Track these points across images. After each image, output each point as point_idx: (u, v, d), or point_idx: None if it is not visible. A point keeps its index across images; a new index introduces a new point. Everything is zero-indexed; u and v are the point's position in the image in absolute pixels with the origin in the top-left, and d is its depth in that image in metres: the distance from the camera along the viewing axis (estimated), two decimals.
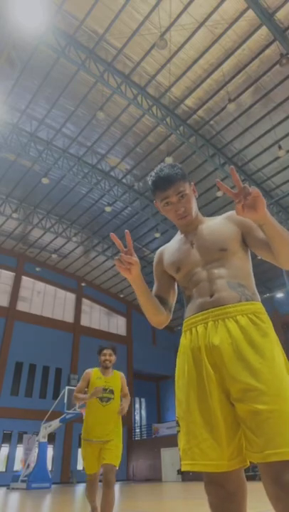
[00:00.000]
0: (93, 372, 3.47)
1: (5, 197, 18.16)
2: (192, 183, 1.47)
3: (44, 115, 14.06)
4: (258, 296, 1.32)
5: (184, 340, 1.33)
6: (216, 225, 1.41)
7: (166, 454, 21.10)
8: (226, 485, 1.16)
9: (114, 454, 3.17)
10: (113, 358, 3.47)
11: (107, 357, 3.43)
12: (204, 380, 1.19)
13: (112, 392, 3.36)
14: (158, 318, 1.42)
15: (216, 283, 1.29)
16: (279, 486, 0.99)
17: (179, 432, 1.24)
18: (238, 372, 1.13)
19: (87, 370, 3.51)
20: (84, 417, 3.42)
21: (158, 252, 1.58)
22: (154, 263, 1.56)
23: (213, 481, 1.17)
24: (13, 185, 17.41)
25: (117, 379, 3.47)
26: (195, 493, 8.29)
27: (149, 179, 1.42)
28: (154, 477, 21.58)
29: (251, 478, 12.19)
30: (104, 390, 3.31)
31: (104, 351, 3.46)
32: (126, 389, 3.53)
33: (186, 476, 18.65)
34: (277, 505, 1.01)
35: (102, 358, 3.46)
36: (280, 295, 21.49)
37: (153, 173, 1.41)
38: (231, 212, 1.42)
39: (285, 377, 1.12)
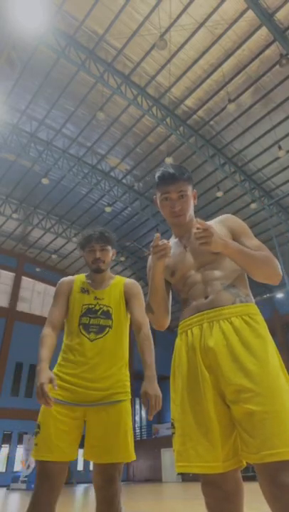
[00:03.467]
0: (75, 282, 1.91)
1: (5, 197, 18.17)
2: (194, 190, 1.50)
3: (44, 115, 14.07)
4: (252, 298, 1.33)
5: (179, 342, 1.34)
6: None
7: (167, 455, 21.10)
8: (223, 486, 1.16)
9: (122, 441, 1.61)
10: (108, 254, 1.91)
11: (97, 253, 1.87)
12: (199, 381, 1.20)
13: (108, 314, 1.81)
14: (166, 319, 1.46)
15: (211, 285, 1.31)
16: (275, 487, 0.99)
17: (173, 433, 1.24)
18: (232, 374, 1.14)
19: (63, 279, 1.95)
20: (60, 358, 1.80)
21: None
22: (148, 268, 1.56)
23: (210, 482, 1.18)
24: (13, 185, 17.42)
25: (118, 290, 1.90)
26: (195, 493, 8.28)
27: (156, 173, 1.46)
28: (154, 477, 21.58)
29: (252, 478, 12.17)
30: (94, 311, 1.81)
31: (93, 244, 1.87)
32: (139, 312, 1.85)
33: (186, 477, 18.64)
34: (274, 505, 1.01)
35: (90, 256, 1.88)
36: (280, 295, 21.47)
37: (161, 169, 1.45)
38: (224, 216, 1.46)
39: (279, 378, 1.12)
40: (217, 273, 1.32)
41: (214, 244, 1.21)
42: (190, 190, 1.44)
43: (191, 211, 1.47)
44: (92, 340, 1.74)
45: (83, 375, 1.68)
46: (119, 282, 1.94)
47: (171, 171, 1.40)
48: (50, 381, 1.55)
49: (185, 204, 1.42)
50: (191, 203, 1.46)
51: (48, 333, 1.76)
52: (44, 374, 1.57)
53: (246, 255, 1.24)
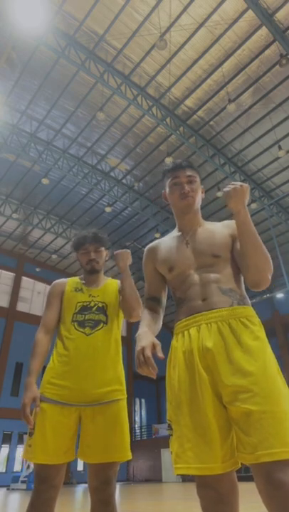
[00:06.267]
0: (68, 283, 1.92)
1: (5, 197, 18.17)
2: (202, 186, 1.53)
3: (44, 116, 14.07)
4: (249, 301, 1.34)
5: (176, 343, 1.32)
6: (214, 231, 1.43)
7: (167, 455, 21.08)
8: (218, 487, 1.16)
9: (119, 439, 1.58)
10: (102, 255, 1.95)
11: (91, 254, 1.91)
12: (196, 382, 1.19)
13: (102, 310, 1.81)
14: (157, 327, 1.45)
15: (208, 287, 1.31)
16: (271, 486, 1.00)
17: (171, 435, 1.23)
18: (230, 375, 1.14)
19: (56, 281, 1.96)
20: (51, 358, 1.76)
21: (149, 248, 1.55)
22: (145, 260, 1.54)
23: (206, 484, 1.18)
24: (13, 185, 17.42)
25: (112, 289, 1.94)
26: (195, 494, 8.29)
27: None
28: (154, 478, 21.57)
29: (251, 478, 12.17)
30: (88, 307, 1.81)
31: (86, 246, 1.92)
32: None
33: (186, 477, 18.62)
34: (270, 505, 1.01)
35: (85, 258, 1.92)
36: (280, 295, 21.47)
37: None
38: (231, 221, 1.45)
39: (276, 379, 1.13)
40: (215, 276, 1.32)
41: (235, 198, 1.27)
42: (198, 180, 1.48)
43: (198, 201, 1.47)
44: (88, 335, 1.72)
45: (79, 371, 1.64)
46: (113, 282, 1.98)
47: (179, 161, 1.48)
48: (34, 401, 1.56)
49: (194, 187, 1.45)
50: (200, 193, 1.48)
51: (41, 338, 1.75)
52: (29, 393, 1.57)
53: (255, 233, 1.26)
